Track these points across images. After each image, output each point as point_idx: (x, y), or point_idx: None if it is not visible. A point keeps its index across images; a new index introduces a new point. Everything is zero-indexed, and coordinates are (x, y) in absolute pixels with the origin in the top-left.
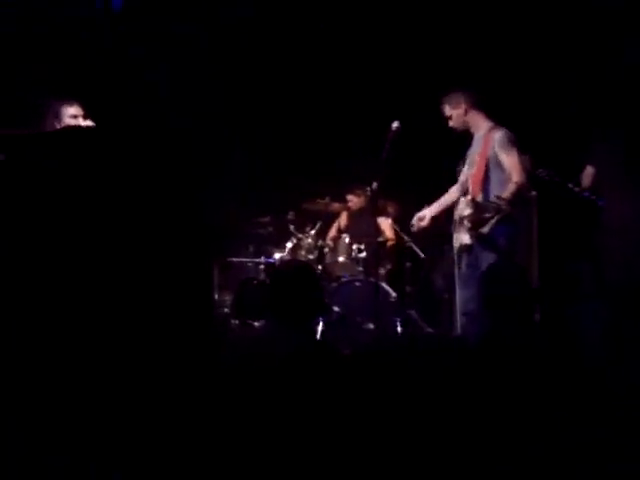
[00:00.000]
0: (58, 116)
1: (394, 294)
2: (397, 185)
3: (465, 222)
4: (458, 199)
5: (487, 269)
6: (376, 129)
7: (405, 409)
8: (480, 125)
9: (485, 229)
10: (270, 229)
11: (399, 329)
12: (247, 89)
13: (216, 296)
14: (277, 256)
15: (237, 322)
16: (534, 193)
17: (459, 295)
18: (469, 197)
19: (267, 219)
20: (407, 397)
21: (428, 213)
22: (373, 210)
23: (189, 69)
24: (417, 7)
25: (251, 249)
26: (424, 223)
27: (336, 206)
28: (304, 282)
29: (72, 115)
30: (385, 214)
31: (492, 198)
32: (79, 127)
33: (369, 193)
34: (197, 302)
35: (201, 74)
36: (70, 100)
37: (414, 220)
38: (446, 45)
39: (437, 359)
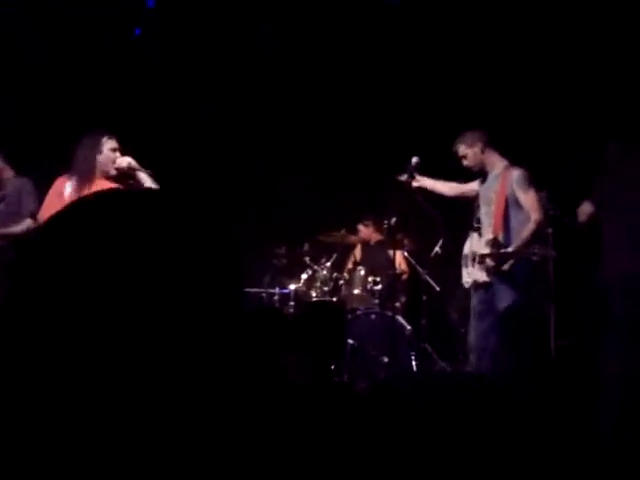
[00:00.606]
0: (98, 148)
1: (409, 327)
2: (413, 219)
3: (487, 260)
4: (470, 235)
5: (507, 308)
6: (395, 163)
7: (417, 445)
8: (495, 164)
9: (505, 267)
10: (285, 260)
11: (414, 363)
12: (269, 121)
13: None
14: (292, 287)
15: None
16: (550, 230)
17: (473, 330)
18: (490, 236)
19: (282, 250)
20: (420, 433)
21: (425, 180)
22: (391, 244)
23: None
24: (437, 46)
25: (266, 280)
26: (417, 183)
27: (352, 238)
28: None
29: (111, 149)
30: (400, 247)
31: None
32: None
33: (387, 227)
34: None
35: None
36: (110, 134)
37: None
38: (464, 83)
39: (451, 395)
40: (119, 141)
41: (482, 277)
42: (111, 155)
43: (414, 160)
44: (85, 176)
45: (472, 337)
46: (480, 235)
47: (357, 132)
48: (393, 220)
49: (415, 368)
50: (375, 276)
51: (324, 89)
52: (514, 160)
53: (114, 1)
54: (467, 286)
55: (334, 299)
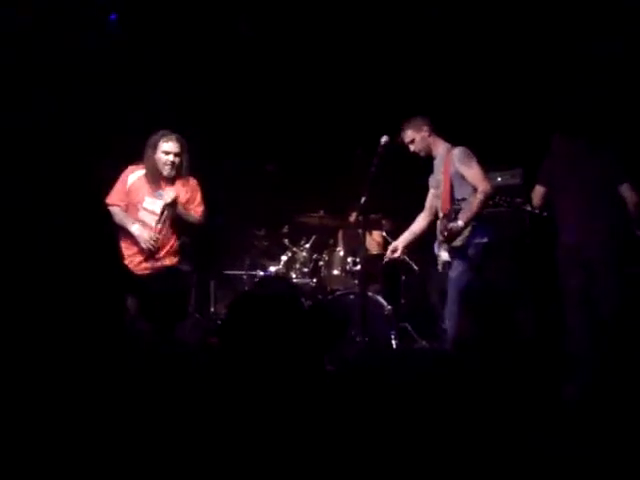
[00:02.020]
0: (155, 149)
1: (389, 307)
2: (389, 199)
3: (439, 237)
4: (436, 221)
5: (457, 278)
6: (373, 144)
7: (396, 424)
8: (439, 148)
9: (458, 243)
10: (265, 242)
11: (394, 342)
12: (249, 103)
13: (212, 309)
14: (272, 269)
15: None
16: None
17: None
18: (441, 214)
19: (262, 232)
20: (397, 411)
21: (400, 244)
22: (362, 224)
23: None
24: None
25: (247, 262)
26: (397, 254)
27: (329, 220)
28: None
29: (164, 151)
30: (378, 228)
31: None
32: None
33: (358, 207)
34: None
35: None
36: (168, 136)
37: (387, 253)
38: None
39: (430, 372)
40: (181, 143)
41: (444, 257)
42: (162, 157)
43: (383, 140)
44: (150, 173)
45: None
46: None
47: (338, 114)
48: (362, 199)
49: (395, 347)
50: (354, 257)
51: (310, 68)
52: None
53: None
54: (440, 270)
55: (314, 280)
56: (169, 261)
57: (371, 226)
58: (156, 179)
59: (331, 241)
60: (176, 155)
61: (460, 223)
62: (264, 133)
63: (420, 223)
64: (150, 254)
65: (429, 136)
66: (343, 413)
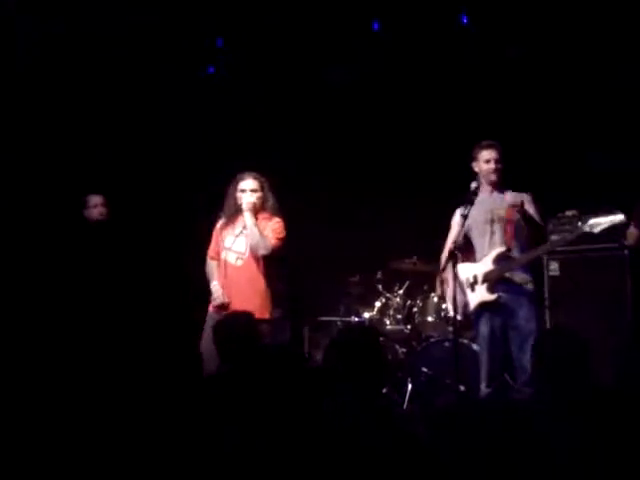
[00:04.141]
0: (235, 188)
1: None
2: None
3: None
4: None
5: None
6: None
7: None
8: (504, 184)
9: (530, 286)
10: (360, 289)
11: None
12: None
13: (307, 355)
14: (366, 315)
15: None
16: None
17: (484, 363)
18: (498, 251)
19: (356, 278)
20: (491, 463)
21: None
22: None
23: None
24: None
25: (341, 308)
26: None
27: (423, 266)
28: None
29: (240, 189)
30: None
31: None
32: None
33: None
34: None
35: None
36: (244, 176)
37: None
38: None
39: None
40: (259, 181)
41: (489, 296)
42: (239, 195)
43: (473, 185)
44: (228, 211)
45: (485, 364)
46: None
47: (428, 160)
48: (453, 246)
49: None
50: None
51: (396, 116)
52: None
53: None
54: (472, 309)
55: (408, 327)
56: (245, 306)
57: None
58: (233, 215)
59: (425, 287)
60: (253, 191)
61: (522, 259)
62: (358, 179)
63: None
64: (222, 307)
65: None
66: (435, 464)
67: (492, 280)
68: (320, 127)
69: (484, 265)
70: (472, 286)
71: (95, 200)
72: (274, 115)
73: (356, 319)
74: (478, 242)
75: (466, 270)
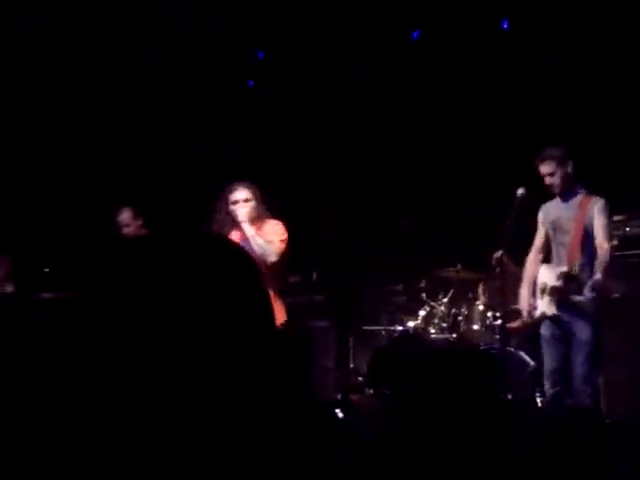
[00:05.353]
0: (226, 201)
1: (532, 363)
2: (524, 252)
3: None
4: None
5: (588, 341)
6: (503, 196)
7: None
8: (576, 189)
9: (579, 298)
10: (403, 298)
11: (539, 401)
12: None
13: (351, 365)
14: (411, 324)
15: (371, 391)
16: None
17: (546, 363)
18: (564, 269)
19: (400, 287)
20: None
21: (530, 299)
22: (500, 277)
23: None
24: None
25: (385, 318)
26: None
27: (468, 274)
28: None
29: (233, 201)
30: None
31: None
32: None
33: (495, 260)
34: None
35: None
36: (233, 186)
37: (525, 314)
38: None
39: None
40: (251, 189)
41: (551, 310)
42: (232, 208)
43: (520, 192)
44: (220, 227)
45: (547, 364)
46: (551, 263)
47: (468, 166)
48: (500, 252)
49: (540, 406)
50: (495, 311)
51: (440, 122)
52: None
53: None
54: (536, 316)
55: (454, 336)
56: None
57: (511, 279)
58: (226, 230)
59: (470, 295)
60: (246, 201)
61: (599, 276)
62: (400, 187)
63: (534, 270)
64: None
65: (571, 173)
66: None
67: (555, 296)
68: (362, 136)
69: (553, 278)
70: (542, 293)
71: (124, 217)
72: (310, 125)
73: (400, 328)
74: (553, 247)
75: (543, 274)
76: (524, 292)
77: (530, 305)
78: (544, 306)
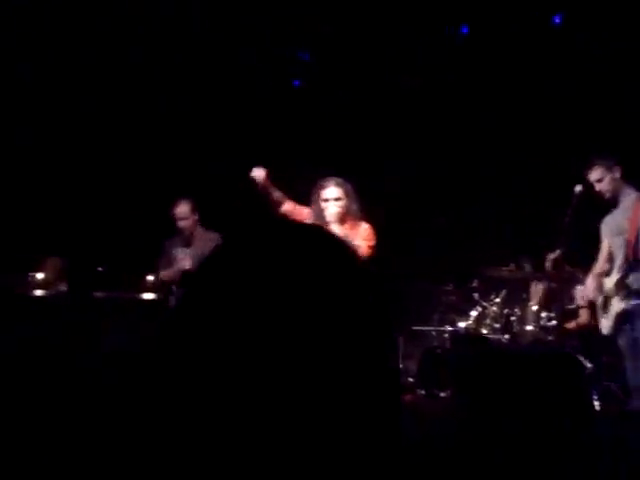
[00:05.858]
0: (319, 196)
1: (589, 365)
2: (582, 251)
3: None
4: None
5: None
6: (558, 193)
7: None
8: (627, 193)
9: None
10: (454, 298)
11: (596, 403)
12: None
13: (401, 365)
14: (462, 325)
15: (422, 392)
16: None
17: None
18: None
19: (450, 287)
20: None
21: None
22: (558, 277)
23: None
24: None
25: (436, 318)
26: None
27: (521, 273)
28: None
29: (324, 199)
30: (576, 281)
31: None
32: None
33: (552, 261)
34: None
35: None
36: (325, 183)
37: (579, 298)
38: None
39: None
40: (343, 187)
41: (620, 306)
42: (322, 205)
43: (577, 189)
44: (317, 220)
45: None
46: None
47: (521, 164)
48: (557, 252)
49: (599, 409)
50: (549, 311)
51: (491, 122)
52: None
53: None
54: (605, 332)
55: (506, 336)
56: None
57: (567, 279)
58: (321, 224)
59: (523, 295)
60: (336, 200)
61: None
62: (453, 187)
63: (604, 266)
64: None
65: (619, 178)
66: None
67: (620, 288)
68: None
69: (613, 277)
70: (603, 309)
71: (182, 210)
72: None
73: (450, 328)
74: (614, 255)
75: (605, 286)
76: (590, 281)
77: (595, 290)
78: (617, 305)
